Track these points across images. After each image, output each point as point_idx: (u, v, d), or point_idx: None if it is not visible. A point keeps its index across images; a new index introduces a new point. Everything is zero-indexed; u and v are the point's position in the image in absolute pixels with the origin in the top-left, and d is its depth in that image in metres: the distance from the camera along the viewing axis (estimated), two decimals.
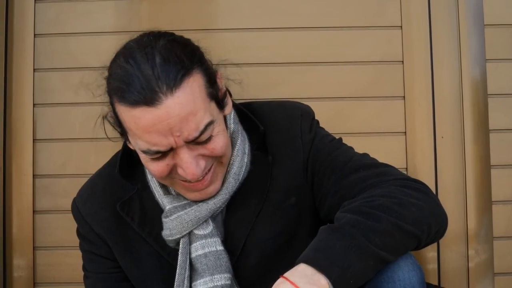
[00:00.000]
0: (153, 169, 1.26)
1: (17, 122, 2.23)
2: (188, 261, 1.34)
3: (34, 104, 2.23)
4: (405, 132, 2.22)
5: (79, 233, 1.50)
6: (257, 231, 1.36)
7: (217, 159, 1.30)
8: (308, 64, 2.23)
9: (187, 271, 1.33)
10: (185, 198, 1.34)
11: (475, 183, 2.22)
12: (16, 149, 2.22)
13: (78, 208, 1.48)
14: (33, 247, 2.22)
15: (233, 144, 1.37)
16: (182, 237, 1.33)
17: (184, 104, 1.17)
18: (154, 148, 1.20)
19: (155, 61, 1.18)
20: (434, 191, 2.20)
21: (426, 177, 2.21)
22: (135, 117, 1.18)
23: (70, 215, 2.26)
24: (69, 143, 2.24)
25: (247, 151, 1.39)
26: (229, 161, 1.35)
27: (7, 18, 2.23)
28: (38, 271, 2.23)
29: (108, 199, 1.44)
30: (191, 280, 1.35)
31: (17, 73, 2.23)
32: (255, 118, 1.42)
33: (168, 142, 1.19)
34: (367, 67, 2.23)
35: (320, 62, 2.23)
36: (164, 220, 1.35)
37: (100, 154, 2.24)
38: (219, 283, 1.31)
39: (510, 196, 2.23)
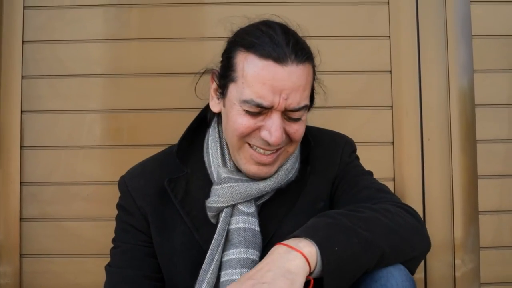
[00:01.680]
0: (241, 122, 1.39)
1: (4, 128, 2.22)
2: (226, 230, 1.44)
3: (22, 111, 2.22)
4: (393, 142, 2.23)
5: (120, 205, 1.59)
6: (284, 225, 1.47)
7: (287, 146, 1.44)
8: None
9: (223, 238, 1.44)
10: (239, 174, 1.46)
11: (462, 193, 2.22)
12: (3, 156, 2.21)
13: (126, 182, 1.58)
14: (20, 254, 2.21)
15: None
16: (227, 207, 1.44)
17: (301, 77, 1.37)
18: (258, 100, 1.35)
19: (289, 37, 1.39)
20: (421, 201, 2.22)
21: (413, 187, 2.22)
22: (258, 66, 1.35)
23: (57, 223, 2.28)
24: (56, 150, 2.23)
25: (298, 159, 1.54)
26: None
27: None
28: (25, 279, 2.21)
29: (156, 178, 1.55)
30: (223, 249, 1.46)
31: (5, 79, 2.22)
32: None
33: (273, 100, 1.35)
34: (355, 76, 2.24)
35: None
36: (215, 187, 1.46)
37: (88, 161, 2.24)
38: (251, 257, 1.41)
39: (497, 206, 2.24)
